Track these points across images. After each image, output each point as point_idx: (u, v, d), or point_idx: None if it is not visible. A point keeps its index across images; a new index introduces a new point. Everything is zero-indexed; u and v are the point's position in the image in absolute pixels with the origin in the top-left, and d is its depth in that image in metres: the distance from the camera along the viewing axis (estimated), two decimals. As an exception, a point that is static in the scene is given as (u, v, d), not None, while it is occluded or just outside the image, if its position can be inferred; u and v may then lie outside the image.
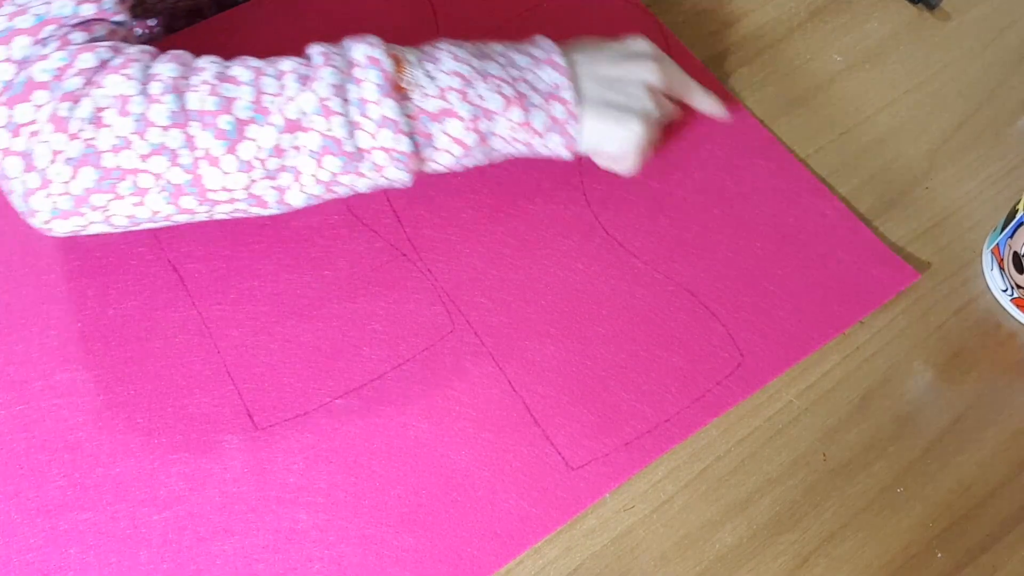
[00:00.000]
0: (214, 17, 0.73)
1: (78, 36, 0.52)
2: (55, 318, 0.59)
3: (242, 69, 0.52)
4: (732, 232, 0.65)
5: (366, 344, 0.59)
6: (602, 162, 0.62)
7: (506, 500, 0.54)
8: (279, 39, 0.71)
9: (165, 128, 0.50)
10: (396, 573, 0.52)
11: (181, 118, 0.50)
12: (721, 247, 0.64)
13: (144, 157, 0.50)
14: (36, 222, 0.52)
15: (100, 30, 0.53)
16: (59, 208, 0.51)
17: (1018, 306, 0.62)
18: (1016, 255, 0.61)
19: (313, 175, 0.53)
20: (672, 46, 0.73)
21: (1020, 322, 0.63)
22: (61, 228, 0.53)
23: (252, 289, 0.61)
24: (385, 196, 0.65)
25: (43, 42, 0.51)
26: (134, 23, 0.57)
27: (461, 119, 0.54)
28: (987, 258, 0.64)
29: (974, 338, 0.62)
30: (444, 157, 0.56)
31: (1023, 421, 0.59)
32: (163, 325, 0.59)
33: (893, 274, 0.63)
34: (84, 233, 0.54)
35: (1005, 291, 0.63)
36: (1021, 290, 0.61)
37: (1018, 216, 0.60)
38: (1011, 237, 0.61)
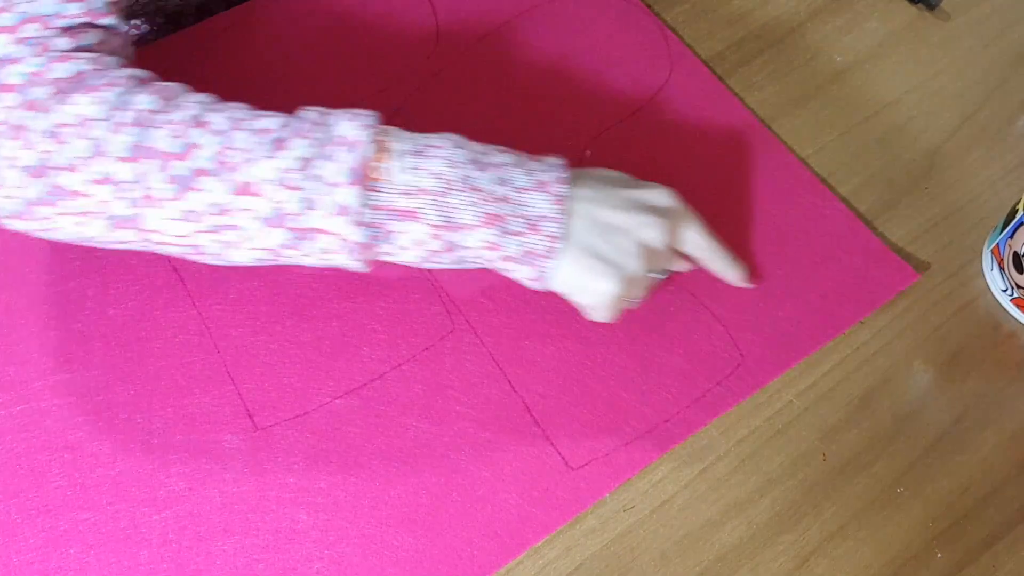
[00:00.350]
0: (219, 14, 0.73)
1: (61, 42, 0.50)
2: (55, 318, 0.59)
3: (220, 118, 0.51)
4: (732, 232, 0.64)
5: (366, 344, 0.59)
6: (575, 304, 0.57)
7: (506, 500, 0.54)
8: (283, 36, 0.72)
9: (120, 159, 0.49)
10: (396, 573, 0.52)
11: (138, 153, 0.49)
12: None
13: (91, 183, 0.49)
14: None
15: (89, 38, 0.52)
16: (9, 209, 0.51)
17: (1018, 306, 0.62)
18: (1016, 255, 0.61)
19: (258, 240, 0.51)
20: (672, 46, 0.73)
21: (1020, 322, 0.63)
22: (16, 226, 0.52)
23: (252, 289, 0.61)
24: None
25: (24, 42, 0.50)
26: (127, 27, 0.56)
27: (428, 224, 0.51)
28: (987, 258, 0.64)
29: (974, 338, 0.62)
30: (405, 255, 0.53)
31: (1023, 421, 0.59)
32: (163, 325, 0.59)
33: (893, 274, 0.63)
34: (38, 236, 0.53)
35: (1005, 291, 0.63)
36: (1021, 290, 0.61)
37: (1018, 216, 0.60)
38: (1011, 237, 0.61)
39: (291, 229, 0.50)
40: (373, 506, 0.54)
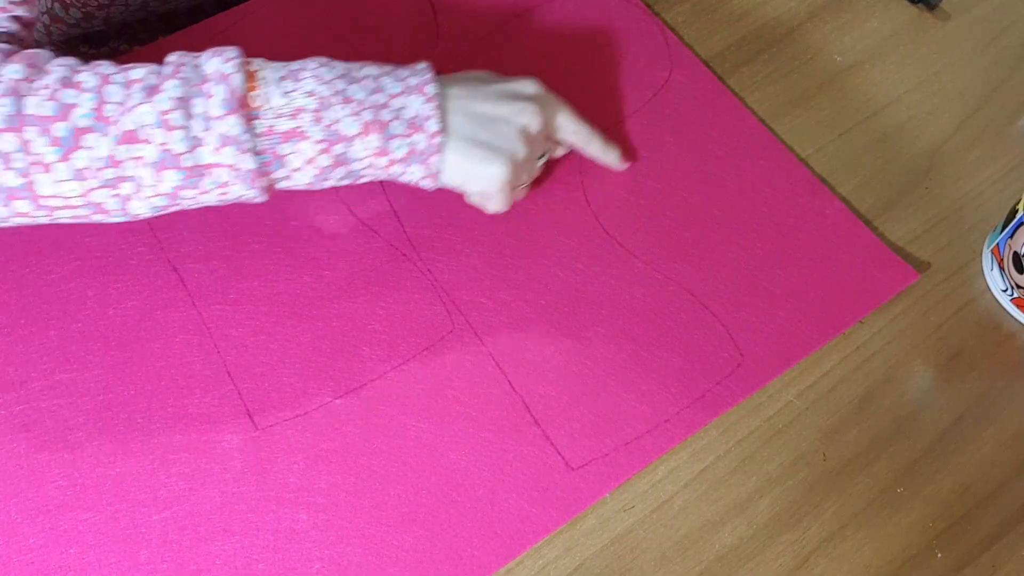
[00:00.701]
0: (215, 16, 0.73)
1: None
2: (55, 318, 0.59)
3: (90, 75, 0.51)
4: (732, 232, 0.65)
5: (366, 344, 0.59)
6: (471, 200, 0.61)
7: (506, 500, 0.54)
8: (280, 38, 0.72)
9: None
10: (396, 573, 0.52)
11: (16, 122, 0.49)
12: (721, 247, 0.64)
13: None
14: None
15: None
16: None
17: (1018, 306, 0.62)
18: (1016, 255, 0.61)
19: (153, 187, 0.52)
20: (672, 46, 0.73)
21: (1020, 322, 0.63)
22: None
23: (252, 289, 0.61)
24: (385, 196, 0.65)
25: None
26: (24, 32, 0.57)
27: (313, 141, 0.53)
28: (987, 258, 0.64)
29: (974, 338, 0.62)
30: (299, 176, 0.54)
31: (1023, 421, 0.59)
32: (163, 325, 0.59)
33: (893, 274, 0.63)
34: None
35: (1005, 291, 0.63)
36: (1021, 290, 0.61)
37: (1018, 216, 0.60)
38: (1011, 237, 0.61)
39: (182, 169, 0.51)
40: (373, 506, 0.54)
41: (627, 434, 0.57)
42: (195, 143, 0.51)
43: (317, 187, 0.55)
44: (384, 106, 0.54)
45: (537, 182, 0.65)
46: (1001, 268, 0.62)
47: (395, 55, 0.71)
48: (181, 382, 0.57)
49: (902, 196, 0.67)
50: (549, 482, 0.55)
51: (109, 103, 0.50)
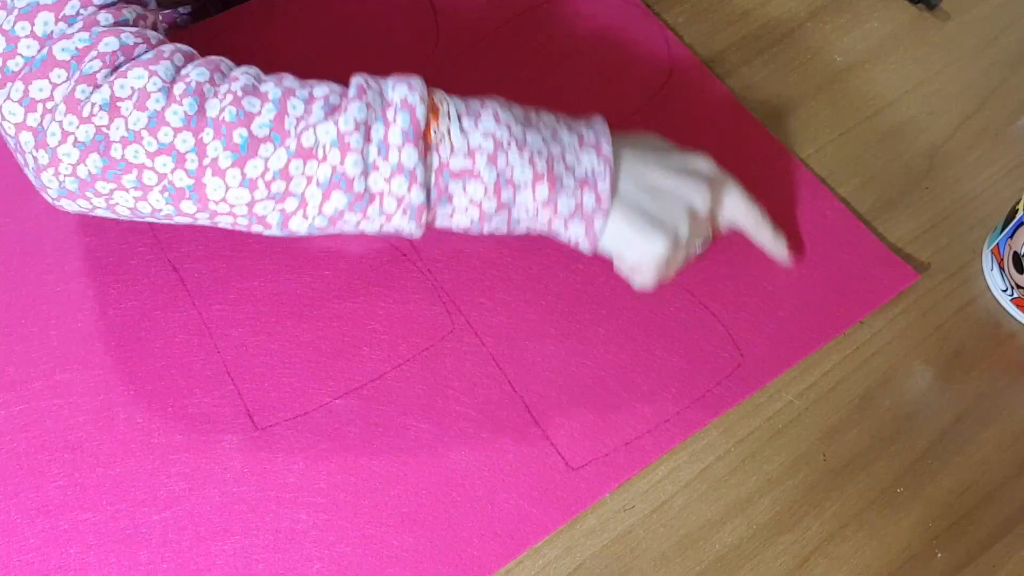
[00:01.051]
0: (217, 16, 0.73)
1: (104, 17, 0.51)
2: (55, 318, 0.59)
3: (273, 87, 0.52)
4: (732, 232, 0.64)
5: (366, 344, 0.59)
6: (621, 270, 0.59)
7: (506, 500, 0.54)
8: (281, 36, 0.72)
9: (178, 130, 0.49)
10: (396, 573, 0.52)
11: (196, 123, 0.50)
12: (721, 247, 0.64)
13: (151, 155, 0.50)
14: (47, 197, 0.52)
15: (128, 14, 0.52)
16: (66, 188, 0.51)
17: (1018, 306, 0.62)
18: (1016, 255, 0.61)
19: (319, 207, 0.51)
20: (672, 46, 0.73)
21: (1020, 322, 0.63)
22: (69, 207, 0.53)
23: (252, 289, 0.61)
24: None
25: (67, 19, 0.50)
26: (160, 7, 0.56)
27: (483, 183, 0.52)
28: (987, 258, 0.64)
29: (974, 338, 0.62)
30: (460, 218, 0.54)
31: (1023, 421, 0.59)
32: (163, 325, 0.59)
33: (893, 274, 0.63)
34: (92, 214, 0.54)
35: (1005, 291, 0.63)
36: (1021, 290, 0.61)
37: (1018, 216, 0.60)
38: (1011, 237, 0.61)
39: (351, 192, 0.51)
40: (373, 506, 0.54)
41: (627, 434, 0.57)
42: (369, 168, 0.51)
43: (473, 232, 0.55)
44: (559, 157, 0.53)
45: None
46: (1001, 268, 0.62)
47: (395, 55, 0.71)
48: (181, 382, 0.57)
49: (902, 196, 0.67)
50: (549, 482, 0.55)
51: (289, 116, 0.50)
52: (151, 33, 0.52)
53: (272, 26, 0.72)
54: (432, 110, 0.52)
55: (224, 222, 0.53)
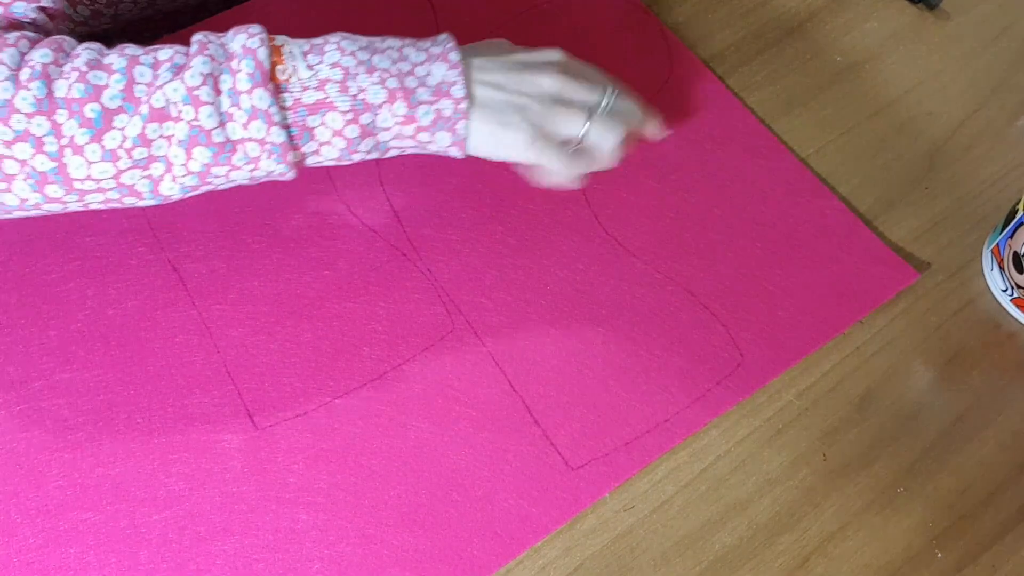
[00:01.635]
0: (218, 15, 0.73)
1: None
2: (55, 318, 0.59)
3: (117, 57, 0.52)
4: (732, 232, 0.65)
5: (366, 344, 0.59)
6: (524, 175, 0.60)
7: (506, 500, 0.54)
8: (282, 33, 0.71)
9: (30, 115, 0.49)
10: (396, 573, 0.52)
11: (47, 105, 0.50)
12: (721, 247, 0.64)
13: (8, 143, 0.50)
14: None
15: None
16: None
17: (1018, 306, 0.62)
18: (1016, 255, 0.61)
19: (184, 165, 0.52)
20: (672, 46, 0.73)
21: (1020, 322, 0.63)
22: None
23: (252, 289, 0.61)
24: (385, 196, 0.65)
25: None
26: (50, 23, 0.57)
27: (341, 112, 0.53)
28: (987, 258, 0.64)
29: (974, 338, 0.62)
30: (327, 150, 0.54)
31: (1023, 421, 0.59)
32: (163, 325, 0.59)
33: (893, 274, 0.63)
34: None
35: (1005, 291, 0.63)
36: (1021, 290, 0.61)
37: (1018, 216, 0.60)
38: (1011, 237, 0.61)
39: (212, 145, 0.51)
40: (373, 506, 0.54)
41: (627, 434, 0.57)
42: (224, 118, 0.51)
43: (345, 162, 0.55)
44: (409, 73, 0.54)
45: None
46: (1001, 268, 0.62)
47: (395, 55, 0.71)
48: (181, 382, 0.57)
49: (902, 196, 0.67)
50: (549, 482, 0.55)
51: (138, 83, 0.51)
52: (11, 35, 0.52)
53: (271, 25, 0.72)
54: (275, 52, 0.53)
55: (95, 201, 0.53)
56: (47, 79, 0.50)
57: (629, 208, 0.65)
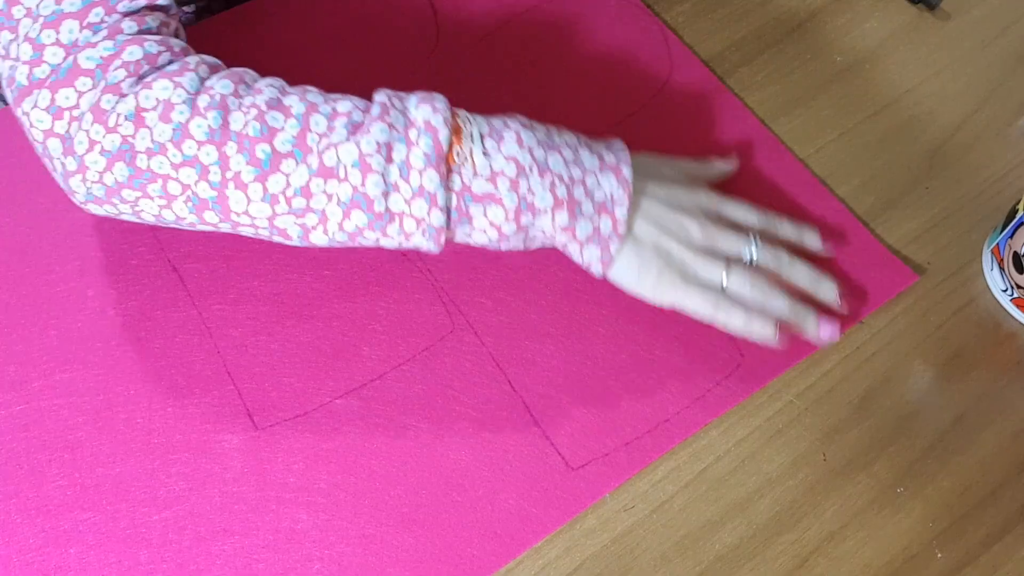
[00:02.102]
0: (219, 14, 0.73)
1: (128, 25, 0.51)
2: (55, 318, 0.59)
3: (296, 101, 0.52)
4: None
5: (366, 344, 0.59)
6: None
7: (506, 500, 0.54)
8: (282, 36, 0.72)
9: (201, 143, 0.50)
10: (396, 573, 0.52)
11: (220, 136, 0.50)
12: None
13: (175, 166, 0.50)
14: (75, 200, 0.53)
15: (150, 21, 0.53)
16: (93, 194, 0.52)
17: (1018, 306, 0.62)
18: (1016, 255, 0.61)
19: (339, 224, 0.52)
20: (672, 46, 0.73)
21: (1020, 322, 0.63)
22: (95, 211, 0.54)
23: (252, 289, 0.61)
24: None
25: (92, 27, 0.50)
26: (178, 9, 0.57)
27: (504, 208, 0.53)
28: (987, 258, 0.64)
29: (974, 338, 0.62)
30: (479, 237, 0.54)
31: (1023, 421, 0.59)
32: (163, 325, 0.59)
33: (893, 275, 0.63)
34: (118, 219, 0.55)
35: (1005, 291, 0.63)
36: (1021, 290, 0.61)
37: (1018, 216, 0.60)
38: (1011, 237, 0.61)
39: (371, 212, 0.51)
40: (373, 506, 0.54)
41: (627, 434, 0.57)
42: (390, 188, 0.51)
43: (491, 248, 0.55)
44: (580, 182, 0.54)
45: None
46: (1001, 268, 0.62)
47: (395, 55, 0.71)
48: (181, 382, 0.57)
49: (902, 196, 0.67)
50: (549, 482, 0.55)
51: (312, 132, 0.51)
52: (174, 41, 0.53)
53: (274, 25, 0.72)
54: (455, 131, 0.52)
55: (246, 231, 0.54)
56: (225, 110, 0.50)
57: (629, 208, 0.65)
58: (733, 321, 0.56)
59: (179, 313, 0.60)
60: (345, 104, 0.52)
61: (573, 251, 0.55)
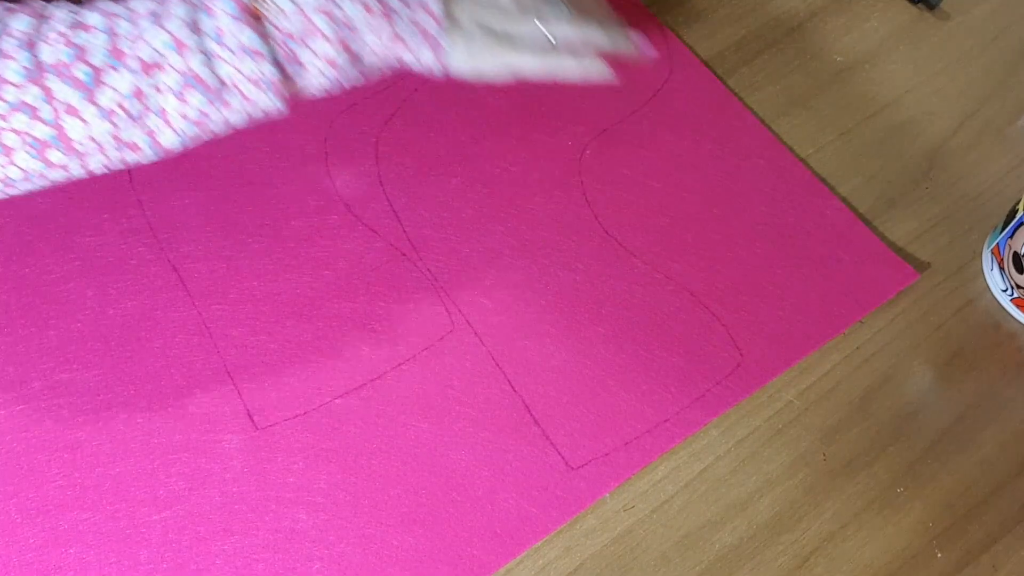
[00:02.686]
0: None
1: None
2: (55, 318, 0.59)
3: (95, 15, 0.52)
4: (732, 232, 0.65)
5: (366, 344, 0.59)
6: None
7: (506, 500, 0.54)
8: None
9: (20, 86, 0.50)
10: (396, 573, 0.52)
11: (36, 73, 0.50)
12: (721, 247, 0.64)
13: (3, 116, 0.50)
14: None
15: None
16: None
17: (1018, 306, 0.62)
18: (1016, 255, 0.61)
19: (180, 113, 0.52)
20: (672, 46, 0.73)
21: (1020, 322, 0.63)
22: None
23: (252, 289, 0.61)
24: (385, 196, 0.65)
25: None
26: None
27: (326, 38, 0.53)
28: (987, 258, 0.64)
29: (974, 338, 0.62)
30: (318, 80, 0.54)
31: (1023, 421, 0.59)
32: (163, 325, 0.59)
33: (893, 274, 0.63)
34: None
35: (1005, 291, 0.63)
36: (1021, 290, 0.61)
37: (1018, 216, 0.60)
38: (1011, 237, 0.61)
39: (204, 87, 0.51)
40: (373, 506, 0.54)
41: (627, 434, 0.57)
42: (212, 59, 0.51)
43: (335, 90, 0.55)
44: None
45: (539, 182, 0.65)
46: (1001, 268, 0.62)
47: (395, 55, 0.71)
48: (181, 382, 0.57)
49: (902, 196, 0.67)
50: (549, 482, 0.55)
51: (120, 37, 0.51)
52: None
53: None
54: None
55: (96, 164, 0.53)
56: (31, 46, 0.50)
57: (629, 208, 0.65)
58: (568, 68, 0.57)
59: (179, 313, 0.60)
60: (141, 4, 0.53)
61: (409, 60, 0.55)
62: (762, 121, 0.70)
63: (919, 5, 0.77)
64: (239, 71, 0.51)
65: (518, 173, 0.66)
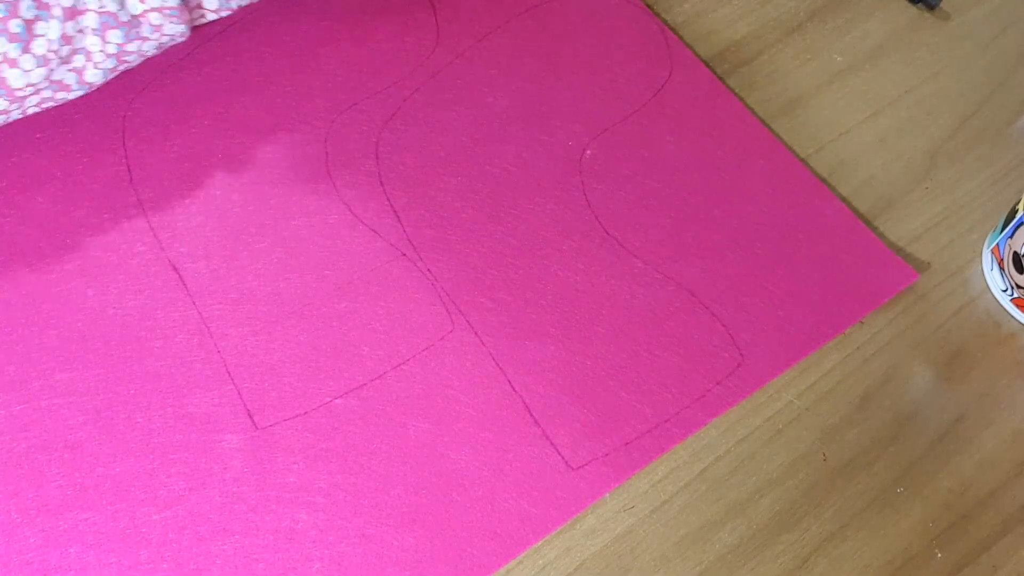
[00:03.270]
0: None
1: None
2: (55, 318, 0.59)
3: None
4: (732, 232, 0.65)
5: (366, 344, 0.59)
6: None
7: (506, 500, 0.54)
8: (280, 37, 0.72)
9: None
10: (396, 573, 0.52)
11: None
12: (721, 247, 0.64)
13: None
14: None
15: None
16: None
17: (1018, 306, 0.62)
18: (1016, 255, 0.61)
19: (102, 51, 0.57)
20: (672, 46, 0.73)
21: (1020, 322, 0.63)
22: None
23: (252, 289, 0.61)
24: (385, 196, 0.65)
25: None
26: None
27: None
28: (987, 258, 0.64)
29: (974, 338, 0.62)
30: (211, 2, 0.60)
31: (1023, 421, 0.59)
32: (163, 325, 0.59)
33: (893, 274, 0.63)
34: None
35: (1005, 291, 0.63)
36: (1021, 290, 0.61)
37: (1018, 216, 0.60)
38: (1011, 237, 0.61)
39: (120, 24, 0.57)
40: (373, 506, 0.54)
41: (627, 434, 0.57)
42: None
43: (223, 12, 0.61)
44: None
45: (539, 182, 0.65)
46: (1001, 268, 0.63)
47: (394, 54, 0.71)
48: (181, 382, 0.57)
49: (902, 196, 0.67)
50: (549, 482, 0.55)
51: None
52: None
53: (273, 26, 0.72)
54: None
55: (31, 104, 0.58)
56: None
57: (629, 208, 0.65)
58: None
59: (179, 313, 0.60)
60: None
61: None
62: (762, 121, 0.70)
63: (919, 5, 0.77)
64: (147, 4, 0.57)
65: (518, 173, 0.66)
